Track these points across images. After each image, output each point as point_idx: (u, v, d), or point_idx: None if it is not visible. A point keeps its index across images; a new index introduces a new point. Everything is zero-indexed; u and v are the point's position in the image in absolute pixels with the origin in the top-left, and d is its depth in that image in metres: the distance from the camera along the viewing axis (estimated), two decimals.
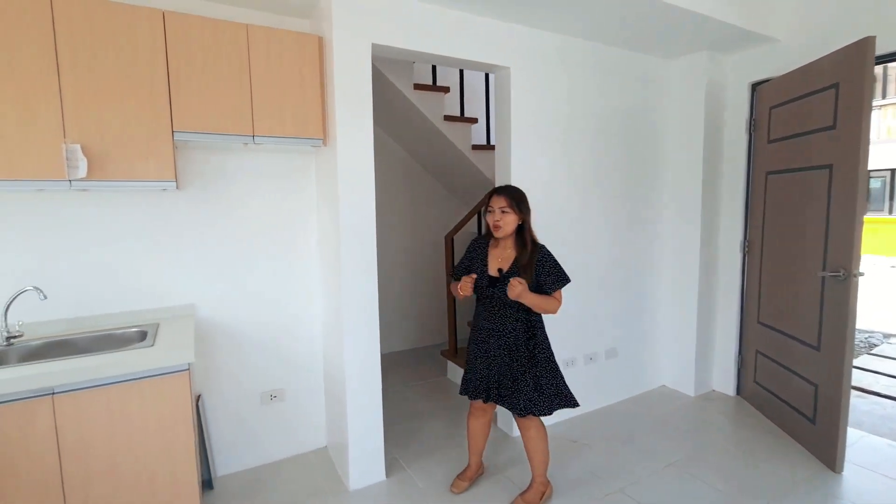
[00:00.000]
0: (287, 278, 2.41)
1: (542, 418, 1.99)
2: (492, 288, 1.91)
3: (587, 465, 2.41)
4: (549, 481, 2.12)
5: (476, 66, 2.46)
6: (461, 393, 2.06)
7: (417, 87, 3.19)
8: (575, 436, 2.69)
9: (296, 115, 2.05)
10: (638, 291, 3.17)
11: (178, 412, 1.67)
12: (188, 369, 1.68)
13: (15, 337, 1.76)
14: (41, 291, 1.75)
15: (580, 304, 2.87)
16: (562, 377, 1.99)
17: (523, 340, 1.91)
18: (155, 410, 1.64)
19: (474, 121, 3.49)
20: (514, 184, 2.35)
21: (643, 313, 3.22)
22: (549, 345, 1.98)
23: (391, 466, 2.38)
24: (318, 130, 2.11)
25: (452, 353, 3.52)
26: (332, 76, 2.02)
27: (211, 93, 1.88)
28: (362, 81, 2.06)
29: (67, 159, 1.63)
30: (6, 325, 1.73)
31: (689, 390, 3.22)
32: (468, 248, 2.10)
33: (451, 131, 3.37)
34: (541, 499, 2.07)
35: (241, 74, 1.93)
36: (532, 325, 1.94)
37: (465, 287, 1.87)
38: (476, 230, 3.70)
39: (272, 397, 2.41)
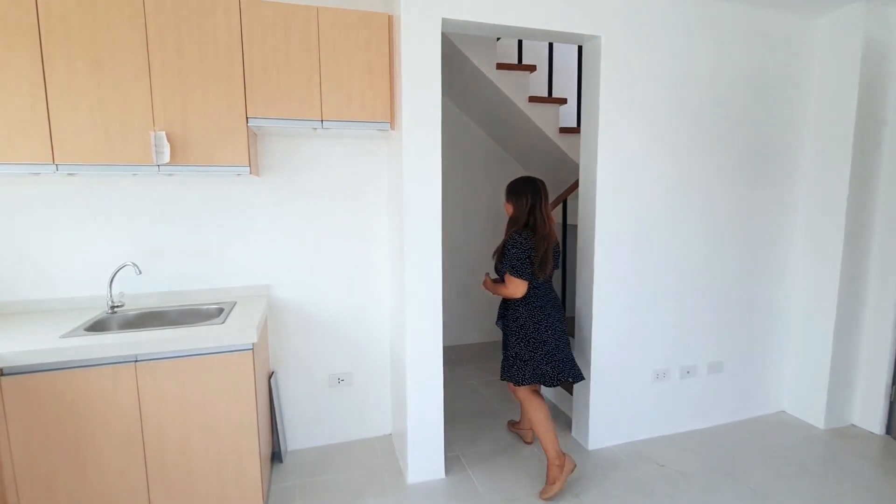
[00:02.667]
0: (357, 264, 2.41)
1: (540, 396, 2.17)
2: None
3: (677, 497, 2.08)
4: (563, 454, 2.09)
5: (560, 37, 2.21)
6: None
7: (501, 66, 3.00)
8: (665, 458, 2.36)
9: (364, 98, 2.01)
10: (752, 298, 2.67)
11: (241, 388, 1.74)
12: (251, 349, 1.73)
13: (118, 306, 1.97)
14: (137, 267, 1.93)
15: (673, 309, 2.49)
16: (523, 356, 2.10)
17: (501, 316, 2.26)
18: (220, 385, 1.72)
19: (563, 101, 3.20)
20: (600, 172, 2.24)
21: (758, 324, 2.71)
22: (524, 324, 2.10)
23: (452, 465, 2.29)
24: (386, 114, 2.05)
25: None
26: (399, 55, 1.93)
27: (282, 78, 1.91)
28: (431, 60, 1.94)
29: (155, 146, 1.76)
30: (111, 296, 1.94)
31: (818, 420, 2.65)
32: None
33: (537, 113, 3.12)
34: (561, 473, 2.05)
35: (310, 58, 1.93)
36: (505, 305, 2.22)
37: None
38: (561, 221, 3.42)
39: (340, 380, 2.45)
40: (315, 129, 1.99)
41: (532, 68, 3.11)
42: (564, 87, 3.72)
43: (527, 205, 2.09)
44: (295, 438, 2.42)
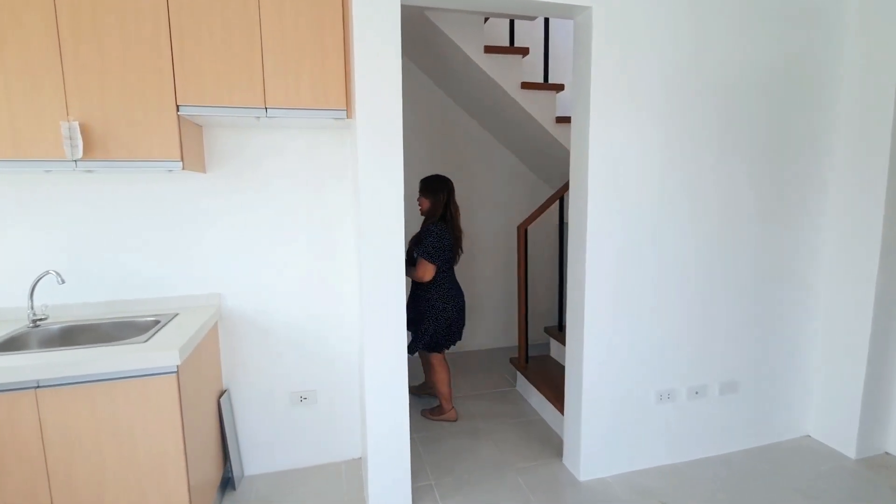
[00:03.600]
0: (321, 269, 2.17)
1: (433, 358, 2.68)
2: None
3: None
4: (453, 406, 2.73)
5: (542, 8, 1.91)
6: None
7: (489, 49, 2.71)
8: (669, 492, 2.06)
9: (315, 82, 1.75)
10: (772, 309, 2.34)
11: (166, 417, 1.51)
12: (175, 373, 1.50)
13: (41, 320, 1.76)
14: (59, 276, 1.71)
15: (679, 320, 2.18)
16: (440, 331, 2.59)
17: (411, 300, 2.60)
18: (140, 413, 1.49)
19: (559, 88, 2.89)
20: (593, 167, 1.96)
21: (779, 337, 2.37)
22: (436, 304, 2.54)
23: (423, 496, 2.03)
24: (341, 100, 1.79)
25: (523, 362, 3.04)
26: (350, 29, 1.67)
27: (218, 58, 1.66)
28: (387, 37, 1.68)
29: (67, 138, 1.53)
30: (32, 308, 1.73)
31: (848, 448, 2.31)
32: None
33: (530, 101, 2.82)
34: (444, 414, 2.71)
35: (251, 34, 1.68)
36: (416, 290, 2.61)
37: None
38: (558, 220, 3.12)
39: (302, 398, 2.21)
40: (258, 118, 1.74)
41: (524, 51, 2.81)
42: (563, 72, 3.40)
43: (442, 199, 2.50)
44: (253, 462, 2.19)
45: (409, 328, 2.46)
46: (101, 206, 1.89)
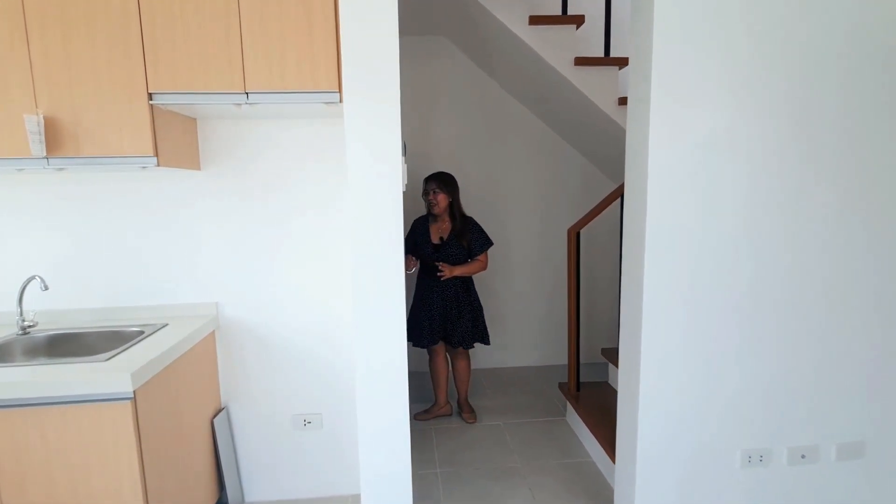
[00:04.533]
0: (327, 277, 1.91)
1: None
2: (437, 253, 2.51)
3: None
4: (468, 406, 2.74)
5: None
6: (415, 345, 2.59)
7: (535, 20, 2.29)
8: None
9: (300, 59, 1.48)
10: None
11: (121, 450, 1.32)
12: (132, 399, 1.30)
13: (31, 326, 1.67)
14: (43, 281, 1.61)
15: (776, 358, 1.62)
16: (484, 321, 2.68)
17: (460, 292, 2.55)
18: (94, 443, 1.31)
19: (623, 62, 2.38)
20: (652, 153, 1.48)
21: None
22: (478, 296, 2.66)
23: None
24: (332, 80, 1.50)
25: (573, 389, 2.58)
26: None
27: (190, 37, 1.45)
28: (381, 3, 1.35)
29: (31, 133, 1.40)
30: (21, 315, 1.65)
31: None
32: (411, 226, 2.60)
33: (585, 79, 2.36)
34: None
35: (226, 9, 1.44)
36: (465, 282, 2.59)
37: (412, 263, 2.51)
38: (619, 223, 2.61)
39: (306, 423, 1.97)
40: (239, 104, 1.51)
41: (579, 20, 2.35)
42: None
43: (457, 198, 2.55)
44: (256, 487, 2.00)
45: (450, 328, 2.52)
46: (92, 207, 1.78)
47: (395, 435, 1.58)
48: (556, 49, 2.33)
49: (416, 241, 2.57)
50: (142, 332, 1.65)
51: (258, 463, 1.98)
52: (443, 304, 2.52)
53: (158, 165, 1.49)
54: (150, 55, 1.44)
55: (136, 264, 1.82)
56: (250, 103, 1.50)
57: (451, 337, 2.56)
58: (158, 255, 1.83)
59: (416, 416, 2.68)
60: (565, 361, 3.39)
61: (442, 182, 2.47)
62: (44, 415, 1.29)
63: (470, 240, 2.49)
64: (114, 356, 1.41)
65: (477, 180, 3.25)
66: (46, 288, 1.62)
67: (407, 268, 2.40)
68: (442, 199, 2.47)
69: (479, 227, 2.54)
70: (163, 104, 1.48)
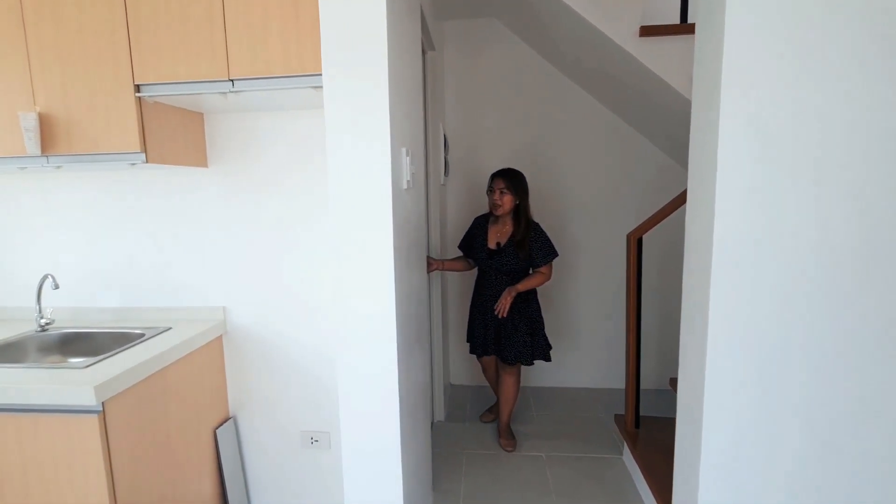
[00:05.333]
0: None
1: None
2: (490, 260, 2.25)
3: None
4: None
5: None
6: (471, 352, 2.42)
7: None
8: None
9: (285, 41, 1.30)
10: None
11: (90, 466, 1.24)
12: (100, 412, 1.22)
13: (49, 324, 1.69)
14: (54, 280, 1.62)
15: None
16: (546, 336, 2.37)
17: (519, 306, 2.26)
18: (64, 455, 1.25)
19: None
20: (722, 147, 1.08)
21: None
22: (540, 308, 2.36)
23: None
24: (319, 63, 1.30)
25: (631, 424, 2.17)
26: None
27: (173, 24, 1.33)
28: None
29: (26, 131, 1.37)
30: (40, 311, 1.67)
31: None
32: (471, 224, 2.39)
33: (652, 53, 1.94)
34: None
35: None
36: (528, 294, 2.30)
37: (437, 264, 2.24)
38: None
39: (313, 440, 1.82)
40: (225, 93, 1.37)
41: None
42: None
43: (525, 200, 2.25)
44: (265, 501, 1.89)
45: (506, 342, 2.28)
46: (105, 206, 1.76)
47: (385, 459, 1.35)
48: (614, 19, 1.93)
49: (473, 243, 2.32)
50: (142, 336, 1.60)
51: (266, 478, 1.87)
52: (497, 316, 2.24)
53: (147, 162, 1.41)
54: (136, 43, 1.35)
55: (149, 264, 1.78)
56: (236, 91, 1.35)
57: (504, 351, 2.27)
58: (168, 254, 1.77)
59: (481, 417, 2.65)
60: (619, 385, 2.96)
61: (511, 181, 2.18)
62: (19, 422, 1.25)
63: (532, 249, 2.19)
64: (95, 363, 1.34)
65: (533, 176, 2.91)
66: (57, 286, 1.62)
67: (454, 267, 2.32)
68: (507, 201, 2.17)
69: (545, 235, 2.24)
70: (149, 96, 1.38)
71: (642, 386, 2.29)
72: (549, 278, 2.25)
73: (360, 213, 1.22)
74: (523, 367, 2.55)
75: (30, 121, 1.37)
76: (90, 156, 1.41)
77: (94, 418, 1.22)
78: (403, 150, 1.35)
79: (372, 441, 1.34)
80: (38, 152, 1.39)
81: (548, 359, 2.34)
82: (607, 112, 2.84)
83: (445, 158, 2.66)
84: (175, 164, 1.54)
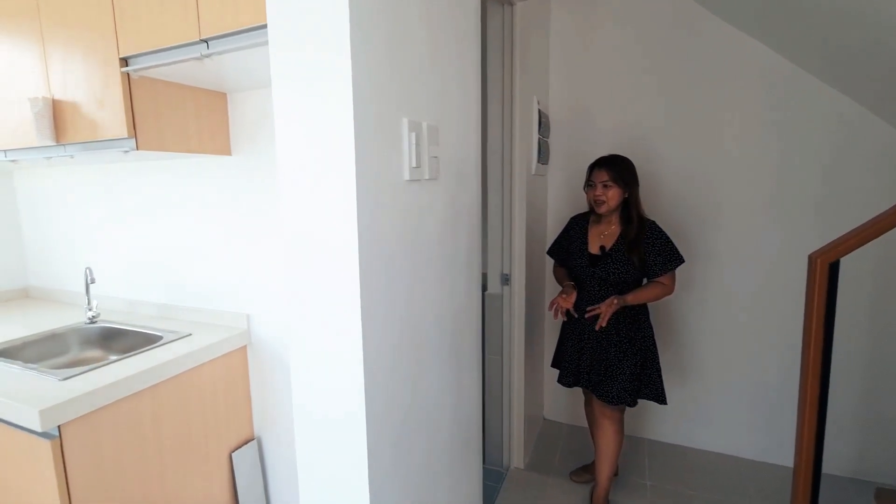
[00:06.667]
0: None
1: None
2: (593, 268, 1.76)
3: None
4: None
5: None
6: (559, 381, 1.91)
7: None
8: None
9: None
10: None
11: (45, 494, 1.10)
12: (56, 438, 1.06)
13: (96, 316, 1.68)
14: (91, 273, 1.58)
15: None
16: (660, 369, 1.80)
17: (624, 327, 1.74)
18: (28, 473, 1.13)
19: None
20: None
21: None
22: (653, 333, 1.81)
23: None
24: None
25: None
26: None
27: None
28: None
29: (39, 117, 1.28)
30: (88, 304, 1.66)
31: None
32: (566, 225, 1.92)
33: None
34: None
35: None
36: (636, 312, 1.76)
37: (566, 302, 1.77)
38: None
39: None
40: (201, 57, 1.09)
41: None
42: None
43: (635, 194, 1.75)
44: None
45: (610, 374, 1.76)
46: (151, 198, 1.68)
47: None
48: None
49: (569, 247, 1.85)
50: (157, 340, 1.46)
51: None
52: (597, 340, 1.77)
53: (138, 149, 1.22)
54: (120, 17, 1.15)
55: (188, 260, 1.66)
56: (210, 54, 1.06)
57: (601, 386, 1.75)
58: (201, 253, 1.63)
59: (571, 475, 2.10)
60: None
61: (615, 171, 1.70)
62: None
63: (647, 253, 1.70)
64: (75, 375, 1.20)
65: (669, 165, 2.19)
66: (93, 281, 1.58)
67: (561, 306, 1.78)
68: (613, 196, 1.70)
69: (665, 236, 1.73)
70: (134, 70, 1.17)
71: (825, 470, 1.47)
72: (670, 291, 1.74)
73: (310, 207, 0.83)
74: (629, 409, 1.93)
75: (37, 106, 1.28)
76: (90, 144, 1.28)
77: (47, 444, 1.06)
78: (405, 121, 0.91)
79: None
80: (51, 140, 1.31)
81: (661, 399, 1.78)
82: (791, 68, 1.95)
83: (540, 142, 2.11)
84: (182, 153, 1.34)
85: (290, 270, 0.87)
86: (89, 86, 1.23)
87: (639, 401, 1.79)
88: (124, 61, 1.18)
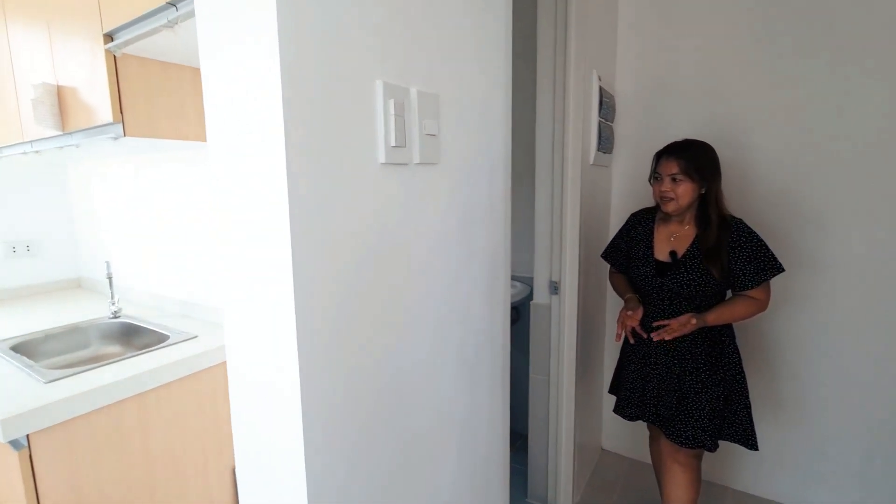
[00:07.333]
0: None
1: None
2: (661, 278, 1.41)
3: None
4: None
5: None
6: (616, 410, 1.58)
7: None
8: None
9: None
10: None
11: (16, 502, 1.03)
12: (25, 448, 0.98)
13: (119, 311, 1.64)
14: (109, 267, 1.54)
15: None
16: (749, 404, 1.42)
17: (703, 352, 1.39)
18: None
19: None
20: None
21: None
22: (740, 359, 1.43)
23: None
24: None
25: None
26: None
27: None
28: None
29: (43, 105, 1.23)
30: (112, 297, 1.63)
31: None
32: (626, 222, 1.58)
33: None
34: None
35: None
36: (718, 332, 1.41)
37: (630, 320, 1.44)
38: None
39: None
40: (171, 24, 0.93)
41: None
42: None
43: (714, 190, 1.38)
44: None
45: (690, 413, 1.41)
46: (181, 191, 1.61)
47: None
48: None
49: (630, 252, 1.53)
50: (163, 340, 1.38)
51: None
52: (667, 365, 1.43)
53: (126, 136, 1.11)
54: None
55: (207, 257, 1.58)
56: (178, 18, 0.90)
57: (672, 423, 1.43)
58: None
59: None
60: None
61: (689, 161, 1.35)
62: None
63: (732, 261, 1.34)
64: (64, 378, 1.12)
65: (765, 153, 1.75)
66: (110, 275, 1.54)
67: (627, 324, 1.47)
68: (684, 192, 1.35)
69: (756, 238, 1.35)
70: (116, 47, 1.06)
71: None
72: (763, 307, 1.37)
73: (234, 198, 0.63)
74: (707, 455, 1.57)
75: (37, 92, 1.22)
76: (88, 131, 1.19)
77: (15, 454, 0.98)
78: (379, 84, 0.68)
79: None
80: (58, 129, 1.25)
81: (750, 443, 1.42)
82: None
83: (601, 125, 1.77)
84: (176, 139, 1.22)
85: (226, 293, 0.67)
86: (79, 66, 1.15)
87: (721, 443, 1.43)
88: (109, 37, 1.07)
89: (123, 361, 1.22)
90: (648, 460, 1.97)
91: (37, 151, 1.44)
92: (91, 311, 1.71)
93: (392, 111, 0.69)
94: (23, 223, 1.93)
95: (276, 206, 0.57)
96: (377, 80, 0.68)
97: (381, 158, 0.70)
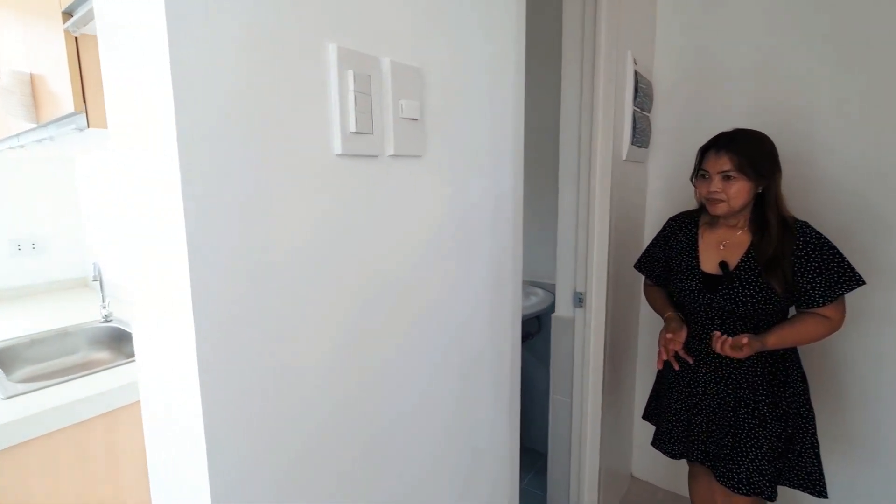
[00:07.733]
0: None
1: None
2: (709, 294, 1.19)
3: None
4: None
5: None
6: (654, 443, 1.37)
7: None
8: None
9: None
10: None
11: None
12: None
13: (111, 315, 1.56)
14: (96, 267, 1.44)
15: None
16: (816, 443, 1.19)
17: (763, 380, 1.17)
18: None
19: None
20: None
21: None
22: (807, 389, 1.21)
23: None
24: None
25: None
26: None
27: None
28: None
29: (18, 94, 1.13)
30: (102, 301, 1.54)
31: None
32: (664, 228, 1.36)
33: None
34: None
35: None
36: (780, 357, 1.18)
37: (673, 343, 1.21)
38: None
39: None
40: None
41: None
42: None
43: (774, 188, 1.15)
44: None
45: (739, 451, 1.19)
46: None
47: None
48: None
49: (670, 262, 1.31)
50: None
51: None
52: (719, 396, 1.22)
53: (90, 127, 0.99)
54: None
55: None
56: None
57: (723, 464, 1.22)
58: None
59: None
60: None
61: (744, 155, 1.12)
62: None
63: (798, 272, 1.11)
64: (27, 393, 1.03)
65: (834, 149, 1.50)
66: (96, 278, 1.45)
67: (669, 349, 1.24)
68: (738, 193, 1.13)
69: (829, 245, 1.11)
70: (74, 25, 0.94)
71: None
72: (837, 327, 1.14)
73: (131, 192, 0.48)
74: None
75: (8, 79, 1.13)
76: (56, 123, 1.09)
77: None
78: (332, 48, 0.51)
79: None
80: (35, 122, 1.15)
81: (818, 490, 1.18)
82: None
83: (637, 116, 1.56)
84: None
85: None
86: (46, 52, 1.04)
87: (781, 488, 1.21)
88: (69, 15, 0.95)
89: (95, 375, 1.12)
90: (685, 492, 1.76)
91: (21, 146, 1.36)
92: (92, 313, 1.63)
93: (351, 86, 0.53)
94: (28, 220, 1.89)
95: (170, 212, 0.42)
96: (329, 44, 0.51)
97: (337, 149, 0.53)
